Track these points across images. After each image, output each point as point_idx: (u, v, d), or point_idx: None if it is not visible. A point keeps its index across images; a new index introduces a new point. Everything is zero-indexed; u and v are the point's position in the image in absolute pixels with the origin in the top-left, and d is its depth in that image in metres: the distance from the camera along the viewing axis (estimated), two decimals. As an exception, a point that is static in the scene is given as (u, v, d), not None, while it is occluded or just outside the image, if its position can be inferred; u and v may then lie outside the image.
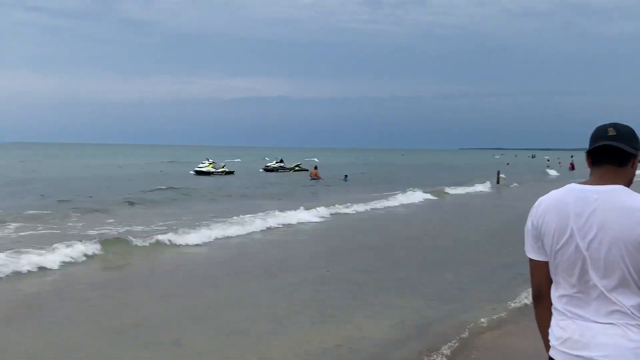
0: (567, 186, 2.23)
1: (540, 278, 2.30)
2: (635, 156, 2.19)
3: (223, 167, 46.04)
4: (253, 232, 14.47)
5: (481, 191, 29.68)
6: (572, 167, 59.75)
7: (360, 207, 20.16)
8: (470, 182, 32.43)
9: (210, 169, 44.28)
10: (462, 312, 7.55)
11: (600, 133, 2.21)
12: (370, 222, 17.68)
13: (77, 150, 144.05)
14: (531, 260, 2.31)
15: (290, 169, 49.43)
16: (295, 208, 17.85)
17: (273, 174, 46.88)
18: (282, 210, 17.32)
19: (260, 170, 51.30)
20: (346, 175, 39.24)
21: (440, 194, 26.48)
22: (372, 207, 20.76)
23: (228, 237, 13.62)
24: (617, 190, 2.12)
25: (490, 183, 32.16)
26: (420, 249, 12.56)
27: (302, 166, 50.25)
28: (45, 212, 18.09)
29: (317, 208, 18.23)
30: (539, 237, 2.24)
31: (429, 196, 24.92)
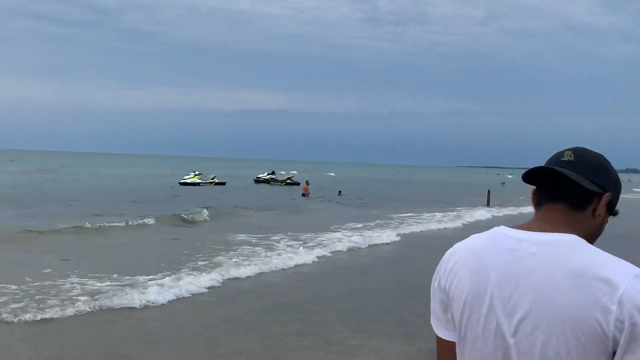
0: (495, 230, 1.45)
1: None
2: (600, 196, 1.41)
3: (213, 179, 46.07)
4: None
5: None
6: None
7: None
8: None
9: (195, 179, 44.53)
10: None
11: (553, 158, 1.47)
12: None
13: (82, 159, 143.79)
14: (439, 339, 1.50)
15: (281, 182, 49.35)
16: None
17: (266, 186, 46.88)
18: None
19: (252, 181, 51.55)
20: (340, 191, 39.31)
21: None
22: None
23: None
24: (567, 243, 1.33)
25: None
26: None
27: (294, 179, 50.09)
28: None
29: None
30: (449, 305, 1.44)
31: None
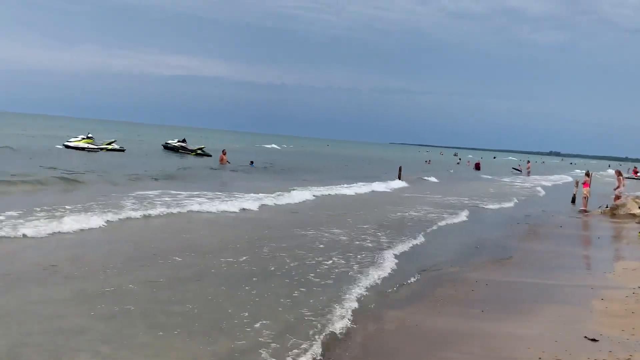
0: None
1: None
2: None
3: (110, 144, 41.98)
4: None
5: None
6: (477, 167, 61.26)
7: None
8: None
9: (82, 144, 39.96)
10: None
11: None
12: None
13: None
14: None
15: (192, 152, 46.65)
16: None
17: (175, 155, 44.67)
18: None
19: (161, 146, 49.03)
20: (252, 162, 39.12)
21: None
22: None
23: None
24: None
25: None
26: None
27: (206, 150, 47.24)
28: None
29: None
30: None
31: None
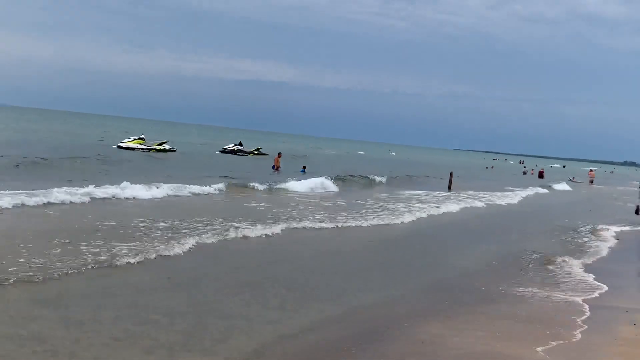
0: None
1: None
2: None
3: (161, 145, 42.53)
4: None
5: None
6: (541, 175, 58.64)
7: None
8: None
9: (132, 144, 40.91)
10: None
11: None
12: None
13: (76, 118, 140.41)
14: None
15: (249, 153, 48.38)
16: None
17: (233, 156, 45.57)
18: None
19: (217, 152, 49.38)
20: (304, 167, 37.56)
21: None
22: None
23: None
24: None
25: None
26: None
27: (262, 150, 49.22)
28: None
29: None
30: None
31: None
